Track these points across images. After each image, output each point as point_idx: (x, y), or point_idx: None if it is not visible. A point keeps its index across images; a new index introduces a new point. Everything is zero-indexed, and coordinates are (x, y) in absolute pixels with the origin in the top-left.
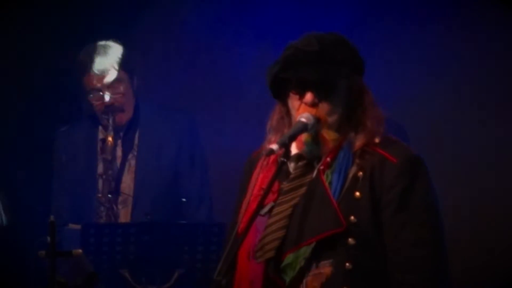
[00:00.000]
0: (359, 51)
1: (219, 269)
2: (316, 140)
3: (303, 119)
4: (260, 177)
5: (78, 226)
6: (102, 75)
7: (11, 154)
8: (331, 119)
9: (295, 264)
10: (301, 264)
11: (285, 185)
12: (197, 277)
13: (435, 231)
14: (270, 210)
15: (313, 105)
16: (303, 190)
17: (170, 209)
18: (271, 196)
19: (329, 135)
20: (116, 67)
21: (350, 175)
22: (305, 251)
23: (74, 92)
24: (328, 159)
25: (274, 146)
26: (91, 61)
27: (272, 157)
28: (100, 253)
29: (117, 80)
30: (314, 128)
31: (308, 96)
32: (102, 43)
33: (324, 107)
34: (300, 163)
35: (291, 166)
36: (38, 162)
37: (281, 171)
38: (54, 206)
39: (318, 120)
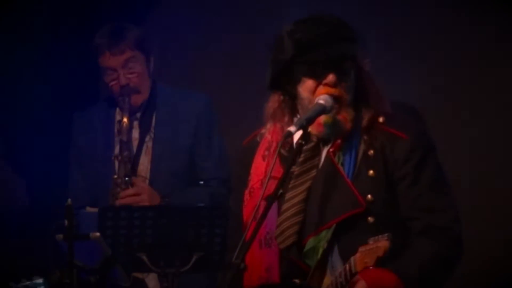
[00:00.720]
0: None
1: (237, 252)
2: (336, 121)
3: (321, 101)
4: (265, 164)
5: (95, 209)
6: (117, 55)
7: (29, 138)
8: (349, 98)
9: (318, 248)
10: (324, 247)
11: (295, 169)
12: (215, 260)
13: (450, 197)
14: (280, 196)
15: (335, 85)
16: (313, 173)
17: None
18: (272, 183)
19: (348, 115)
20: (132, 46)
21: (360, 153)
22: (326, 234)
23: (92, 76)
24: (339, 140)
25: (292, 128)
26: (107, 40)
27: (274, 144)
28: (117, 236)
29: (132, 60)
30: (333, 110)
31: (331, 77)
32: (118, 24)
33: (343, 86)
34: (308, 146)
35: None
36: (56, 145)
37: (299, 154)
38: (71, 189)
39: (338, 100)
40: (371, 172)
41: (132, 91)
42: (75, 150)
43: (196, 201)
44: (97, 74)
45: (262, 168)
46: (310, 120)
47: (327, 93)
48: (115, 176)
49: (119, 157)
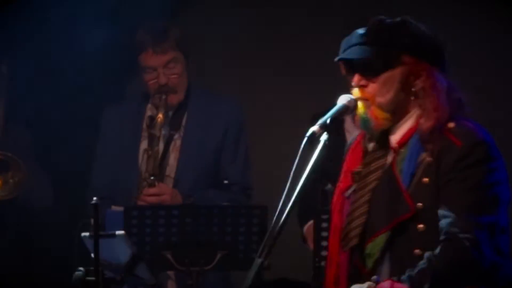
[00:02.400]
0: (430, 35)
1: (261, 250)
2: (366, 117)
3: (344, 101)
4: (347, 160)
5: (120, 208)
6: (160, 54)
7: (55, 136)
8: (380, 100)
9: (374, 253)
10: (378, 253)
11: (362, 170)
12: (239, 259)
13: (489, 210)
14: (352, 194)
15: (360, 86)
16: (379, 173)
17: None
18: (349, 178)
19: (378, 113)
20: (174, 47)
21: (420, 160)
22: (381, 239)
23: (122, 70)
24: (398, 145)
25: (315, 128)
26: (150, 39)
27: (358, 139)
28: (142, 235)
29: (173, 61)
30: (355, 109)
31: (355, 78)
32: (161, 23)
33: (373, 88)
34: (374, 147)
35: (370, 146)
36: (82, 144)
37: (324, 152)
38: (93, 182)
39: (366, 100)
40: (425, 179)
41: (171, 90)
42: (102, 143)
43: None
44: (123, 73)
45: (345, 164)
46: (333, 119)
47: (355, 96)
48: (144, 171)
49: (149, 152)
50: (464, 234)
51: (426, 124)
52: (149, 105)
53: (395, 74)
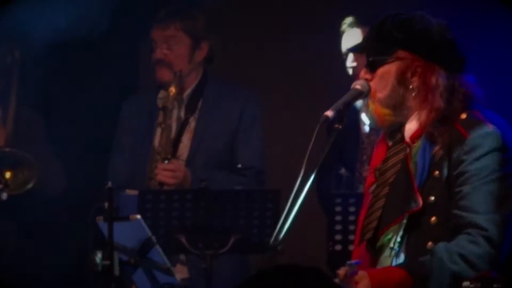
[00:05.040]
0: (433, 32)
1: (275, 235)
2: (370, 111)
3: (358, 86)
4: (372, 158)
5: (135, 192)
6: (160, 29)
7: (70, 122)
8: (380, 95)
9: (386, 245)
10: (391, 244)
11: (382, 165)
12: (253, 242)
13: (502, 203)
14: (374, 189)
15: (365, 79)
16: (397, 168)
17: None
18: (372, 175)
19: (379, 110)
20: (178, 27)
21: (433, 153)
22: (394, 231)
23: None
24: (414, 141)
25: (329, 113)
26: (160, 15)
27: (382, 136)
28: (157, 218)
29: (174, 39)
30: (368, 94)
31: (362, 72)
32: (182, 6)
33: (374, 82)
34: (392, 143)
35: (390, 142)
36: (96, 130)
37: (336, 138)
38: (110, 170)
39: (372, 95)
40: (436, 173)
41: (165, 65)
42: (120, 133)
43: (227, 186)
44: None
45: (371, 161)
46: (346, 104)
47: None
48: (157, 145)
49: (162, 125)
50: (482, 228)
51: (422, 120)
52: (160, 93)
53: (391, 69)
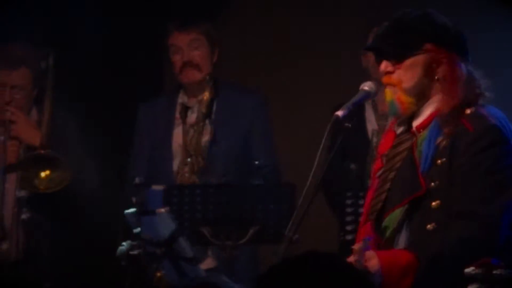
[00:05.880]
0: (450, 26)
1: (290, 225)
2: (393, 101)
3: (366, 88)
4: (380, 144)
5: (161, 187)
6: (184, 33)
7: (100, 123)
8: (406, 85)
9: (390, 226)
10: (394, 225)
11: (389, 152)
12: (270, 233)
13: (502, 192)
14: (381, 174)
15: (386, 73)
16: (404, 154)
17: (242, 172)
18: (379, 160)
19: (404, 98)
20: (198, 31)
21: (438, 143)
22: (398, 213)
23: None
24: (420, 130)
25: (340, 113)
26: (177, 22)
27: (390, 125)
28: (181, 212)
29: (197, 41)
30: (376, 95)
31: (382, 65)
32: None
33: (398, 74)
34: (401, 131)
35: (398, 130)
36: (122, 130)
37: (347, 135)
38: (131, 169)
39: (393, 86)
40: (439, 161)
41: (194, 67)
42: (138, 135)
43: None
44: (161, 69)
45: (379, 148)
46: (356, 105)
47: (383, 82)
48: (188, 144)
49: (195, 127)
50: (482, 216)
51: (444, 109)
52: (181, 94)
53: (418, 60)
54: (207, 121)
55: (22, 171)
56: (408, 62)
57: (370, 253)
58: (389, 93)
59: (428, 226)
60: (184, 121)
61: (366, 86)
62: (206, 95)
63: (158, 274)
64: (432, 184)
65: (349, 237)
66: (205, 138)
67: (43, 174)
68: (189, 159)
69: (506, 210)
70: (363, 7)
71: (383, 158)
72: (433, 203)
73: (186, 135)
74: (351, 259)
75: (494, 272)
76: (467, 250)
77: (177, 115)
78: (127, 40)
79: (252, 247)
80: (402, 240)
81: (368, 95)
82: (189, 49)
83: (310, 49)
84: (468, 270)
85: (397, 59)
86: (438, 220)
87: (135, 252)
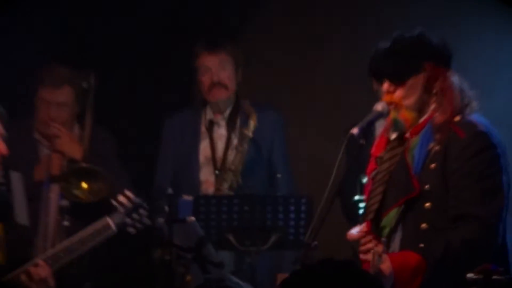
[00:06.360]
0: (442, 45)
1: (309, 232)
2: (397, 119)
3: (380, 108)
4: (374, 148)
5: (190, 197)
6: (213, 55)
7: (135, 139)
8: (408, 102)
9: (388, 225)
10: (392, 225)
11: (384, 155)
12: (290, 240)
13: (495, 194)
14: (375, 175)
15: (389, 92)
16: (396, 158)
17: (264, 183)
18: (373, 163)
19: (407, 115)
20: (225, 52)
21: (429, 148)
22: (393, 214)
23: (185, 87)
24: (412, 136)
25: (355, 131)
26: (206, 44)
27: (383, 130)
28: (208, 220)
29: (225, 63)
30: (388, 115)
31: (385, 85)
32: (215, 35)
33: (400, 93)
34: (393, 138)
35: (392, 135)
36: (152, 144)
37: (361, 151)
38: (157, 180)
39: (395, 105)
40: (432, 165)
41: (223, 87)
42: (164, 147)
43: None
44: (189, 86)
45: (372, 151)
46: (370, 124)
47: (384, 100)
48: (230, 162)
49: (239, 148)
50: (481, 218)
51: (440, 117)
52: (208, 109)
53: (419, 79)
54: (232, 136)
55: (65, 182)
56: (410, 82)
57: (383, 257)
58: (394, 112)
59: (422, 225)
60: (211, 135)
61: (379, 106)
62: (254, 120)
63: (188, 277)
64: (426, 186)
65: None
66: (231, 151)
67: (83, 185)
68: (217, 171)
69: (501, 213)
70: (381, 28)
71: (378, 160)
72: (426, 204)
73: (214, 148)
74: (366, 257)
75: (494, 277)
76: (470, 250)
77: (203, 129)
78: (156, 60)
79: (273, 253)
80: (397, 238)
81: (380, 115)
82: (218, 70)
83: (327, 68)
84: (470, 275)
85: (400, 79)
86: (430, 220)
87: (167, 257)
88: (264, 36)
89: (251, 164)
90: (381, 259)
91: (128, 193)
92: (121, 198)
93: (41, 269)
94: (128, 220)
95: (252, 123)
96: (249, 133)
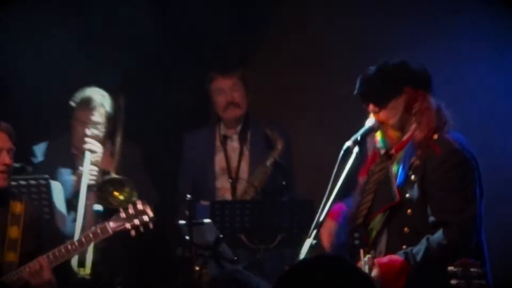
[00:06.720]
0: (422, 70)
1: (310, 233)
2: (384, 138)
3: (370, 123)
4: (368, 160)
5: (207, 203)
6: (227, 78)
7: (161, 152)
8: (391, 122)
9: (375, 228)
10: (378, 228)
11: (373, 168)
12: (294, 239)
13: (468, 204)
14: (366, 184)
15: (374, 112)
16: (384, 171)
17: (271, 190)
18: (365, 173)
19: (392, 133)
20: (237, 76)
21: (411, 162)
22: (380, 218)
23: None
24: (397, 152)
25: (349, 143)
26: (220, 70)
27: (373, 148)
28: (224, 222)
29: (237, 85)
30: (379, 129)
31: (370, 107)
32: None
33: (384, 113)
34: (382, 153)
35: (381, 151)
36: (175, 157)
37: (355, 161)
38: (179, 189)
39: (381, 123)
40: (413, 177)
41: (236, 106)
42: (184, 160)
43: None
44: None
45: (367, 162)
46: (362, 137)
47: (372, 117)
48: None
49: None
50: (456, 225)
51: (420, 135)
52: (222, 125)
53: (400, 101)
54: (244, 148)
55: (99, 190)
56: (391, 104)
57: (373, 265)
58: (380, 131)
59: (405, 229)
60: (225, 148)
61: (370, 122)
62: (281, 144)
63: (204, 270)
64: (407, 195)
65: (356, 242)
66: (244, 162)
67: (115, 193)
68: (230, 180)
69: (475, 220)
70: (388, 48)
71: (369, 171)
72: (408, 211)
73: (228, 159)
74: (359, 264)
75: (471, 269)
76: (447, 253)
77: (218, 143)
78: (177, 83)
79: (279, 250)
80: (383, 240)
81: (371, 129)
82: (231, 91)
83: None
84: (450, 268)
85: (382, 103)
86: (411, 225)
87: (187, 254)
88: (263, 70)
89: (270, 181)
90: (370, 268)
91: (137, 201)
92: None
93: (38, 264)
94: (128, 225)
95: (279, 147)
96: (277, 156)
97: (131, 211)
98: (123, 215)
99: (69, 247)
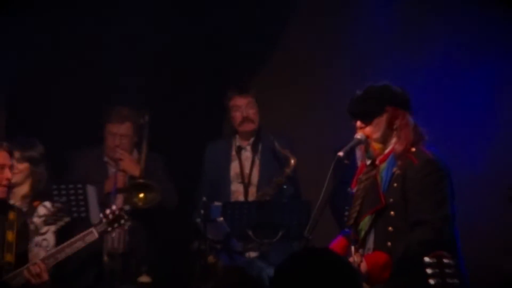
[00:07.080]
0: (402, 92)
1: (307, 229)
2: (369, 150)
3: (358, 137)
4: (359, 170)
5: (219, 203)
6: (243, 97)
7: (180, 159)
8: (375, 136)
9: (363, 228)
10: (366, 228)
11: (362, 177)
12: (293, 235)
13: (442, 205)
14: (356, 191)
15: (361, 128)
16: (370, 179)
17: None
18: (355, 181)
19: (376, 146)
20: (251, 95)
21: (394, 172)
22: (368, 219)
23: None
24: (381, 162)
25: (341, 154)
26: (238, 90)
27: (362, 160)
28: (234, 220)
29: (252, 102)
30: (366, 142)
31: (357, 123)
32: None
33: (369, 129)
34: (368, 163)
35: (367, 162)
36: (193, 165)
37: (345, 169)
38: (199, 192)
39: (367, 137)
40: (395, 184)
41: (251, 121)
42: (205, 167)
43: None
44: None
45: (357, 172)
46: (352, 148)
47: (359, 132)
48: (236, 172)
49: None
50: (431, 223)
51: (399, 148)
52: (237, 138)
53: (383, 118)
54: (255, 157)
55: (127, 193)
56: (375, 121)
57: (360, 262)
58: (366, 145)
59: (389, 228)
60: (239, 157)
61: (358, 135)
62: (294, 160)
63: (215, 259)
64: (391, 200)
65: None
66: (255, 169)
67: (141, 195)
68: (242, 184)
69: (447, 218)
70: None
71: (359, 180)
72: (391, 213)
73: (242, 167)
74: (350, 259)
75: (444, 260)
76: (424, 248)
77: (233, 153)
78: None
79: (281, 243)
80: (371, 239)
81: (360, 141)
82: (247, 108)
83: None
84: (426, 259)
85: (367, 120)
86: (395, 225)
87: (202, 247)
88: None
89: (267, 179)
90: (359, 265)
91: (114, 207)
92: (107, 211)
93: (38, 267)
94: (109, 228)
95: (292, 164)
96: (290, 172)
97: (111, 216)
98: (104, 220)
99: (60, 249)
